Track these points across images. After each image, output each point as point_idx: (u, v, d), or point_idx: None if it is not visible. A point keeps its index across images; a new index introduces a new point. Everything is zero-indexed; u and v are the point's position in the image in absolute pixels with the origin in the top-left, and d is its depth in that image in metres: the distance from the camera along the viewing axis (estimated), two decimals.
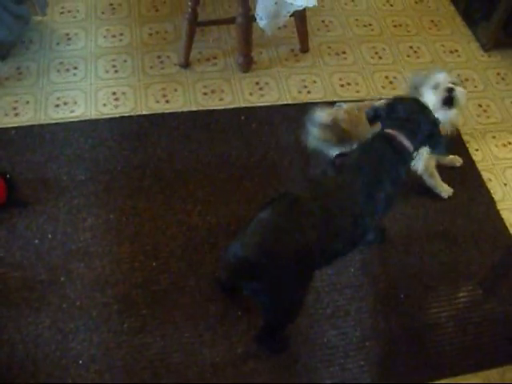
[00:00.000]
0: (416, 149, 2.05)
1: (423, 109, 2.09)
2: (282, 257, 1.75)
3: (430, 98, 2.42)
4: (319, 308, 2.26)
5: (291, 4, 2.62)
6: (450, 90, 2.40)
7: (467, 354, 2.24)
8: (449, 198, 2.67)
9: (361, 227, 1.91)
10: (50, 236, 2.35)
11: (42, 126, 2.70)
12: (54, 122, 2.72)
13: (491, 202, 2.72)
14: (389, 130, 2.01)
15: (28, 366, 2.03)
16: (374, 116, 2.13)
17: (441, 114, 2.31)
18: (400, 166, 1.99)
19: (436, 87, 2.42)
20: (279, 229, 1.78)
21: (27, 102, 2.79)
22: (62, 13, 3.24)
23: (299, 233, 1.77)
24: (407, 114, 2.03)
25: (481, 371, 2.21)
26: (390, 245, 2.49)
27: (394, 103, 2.09)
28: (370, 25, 3.47)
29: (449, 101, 2.40)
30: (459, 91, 2.42)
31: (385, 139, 2.00)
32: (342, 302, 2.29)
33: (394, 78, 3.18)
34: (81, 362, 2.06)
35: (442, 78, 2.44)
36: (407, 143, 1.99)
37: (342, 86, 3.09)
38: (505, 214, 2.68)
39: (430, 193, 2.65)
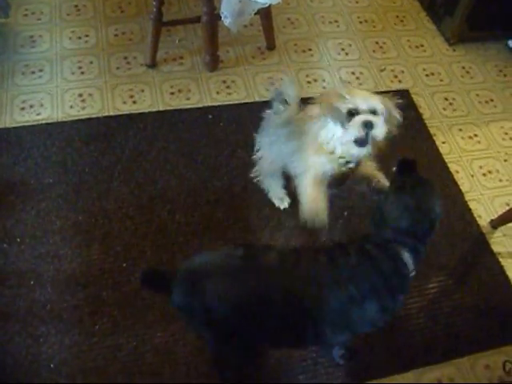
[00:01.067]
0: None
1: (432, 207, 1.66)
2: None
3: (336, 133, 1.91)
4: None
5: (256, 2, 2.62)
6: (369, 126, 1.85)
7: (438, 343, 2.27)
8: None
9: (312, 328, 1.73)
10: (18, 240, 2.32)
11: (7, 129, 2.67)
12: (19, 125, 2.69)
13: (459, 193, 2.75)
14: (397, 248, 1.67)
15: None
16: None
17: (349, 150, 1.93)
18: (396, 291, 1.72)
19: (350, 116, 1.87)
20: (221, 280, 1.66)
21: None
22: (25, 15, 3.20)
23: (242, 288, 1.65)
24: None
25: (452, 360, 2.24)
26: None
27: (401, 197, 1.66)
28: (336, 21, 3.49)
29: (364, 141, 1.90)
30: (378, 127, 1.87)
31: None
32: None
33: (361, 73, 3.21)
34: (52, 365, 2.04)
35: (360, 102, 1.87)
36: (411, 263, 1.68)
37: (308, 82, 3.11)
38: (472, 205, 2.71)
39: None
